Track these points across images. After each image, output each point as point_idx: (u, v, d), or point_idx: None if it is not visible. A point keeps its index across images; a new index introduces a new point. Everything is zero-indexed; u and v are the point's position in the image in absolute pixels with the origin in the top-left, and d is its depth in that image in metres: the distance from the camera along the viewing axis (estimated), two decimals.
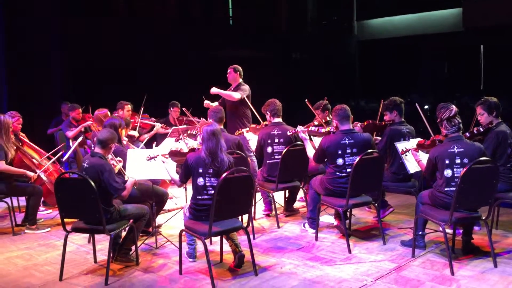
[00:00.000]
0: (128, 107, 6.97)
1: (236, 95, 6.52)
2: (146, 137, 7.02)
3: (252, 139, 5.79)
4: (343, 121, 4.77)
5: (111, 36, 10.30)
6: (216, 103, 6.68)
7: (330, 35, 16.70)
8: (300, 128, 5.22)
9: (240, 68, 6.75)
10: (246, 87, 6.65)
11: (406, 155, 4.82)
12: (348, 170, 4.66)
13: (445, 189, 4.15)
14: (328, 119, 5.96)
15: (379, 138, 5.49)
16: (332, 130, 5.01)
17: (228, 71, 6.76)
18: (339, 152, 4.69)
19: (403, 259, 4.36)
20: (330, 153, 4.72)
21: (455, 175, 4.09)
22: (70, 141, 6.82)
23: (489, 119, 4.84)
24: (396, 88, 13.79)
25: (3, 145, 5.22)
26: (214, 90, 6.67)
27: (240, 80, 6.74)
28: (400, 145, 4.93)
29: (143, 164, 4.56)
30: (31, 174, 5.44)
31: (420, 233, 4.51)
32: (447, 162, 4.13)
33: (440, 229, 4.15)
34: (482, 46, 15.23)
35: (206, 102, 6.73)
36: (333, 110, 4.90)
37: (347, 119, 4.78)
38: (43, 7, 9.22)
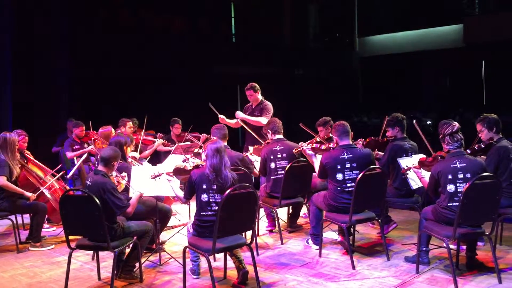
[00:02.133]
0: (130, 124, 6.99)
1: (264, 120, 6.42)
2: (148, 153, 7.06)
3: (257, 161, 5.81)
4: (342, 136, 4.83)
5: (118, 52, 10.42)
6: (234, 121, 6.63)
7: (332, 51, 16.83)
8: (304, 145, 5.26)
9: (257, 86, 6.57)
10: (269, 106, 6.54)
11: (408, 173, 4.84)
12: (349, 185, 4.69)
13: (448, 204, 4.15)
14: (330, 135, 5.99)
15: (381, 153, 5.50)
16: (332, 146, 5.05)
17: (248, 93, 6.57)
18: (338, 167, 4.72)
19: (407, 275, 4.35)
20: (329, 168, 4.76)
21: (458, 190, 4.10)
22: (75, 158, 6.84)
23: (490, 135, 4.86)
24: (398, 104, 13.87)
25: (8, 162, 5.26)
26: (240, 115, 6.50)
27: (261, 97, 6.62)
28: (403, 161, 4.95)
29: (147, 181, 4.59)
30: (29, 194, 5.38)
31: (424, 249, 4.50)
32: (449, 177, 4.14)
33: (444, 245, 4.14)
34: (483, 61, 15.31)
35: (221, 116, 6.55)
36: (333, 126, 4.97)
37: (346, 134, 4.83)
38: (51, 24, 9.34)
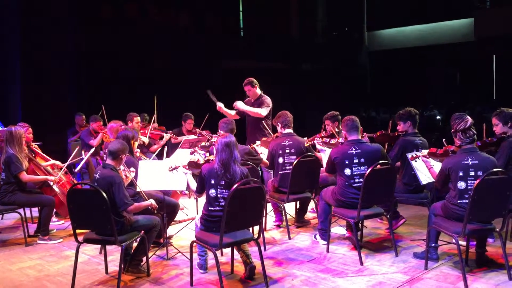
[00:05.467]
0: (138, 118, 7.03)
1: (263, 112, 6.44)
2: (156, 147, 7.08)
3: (263, 153, 5.79)
4: (351, 131, 4.78)
5: (124, 48, 10.42)
6: (233, 112, 6.65)
7: (341, 45, 16.72)
8: (317, 139, 5.25)
9: (255, 81, 6.61)
10: (268, 100, 6.56)
11: (416, 161, 4.78)
12: (357, 180, 4.65)
13: (458, 201, 4.10)
14: (337, 130, 5.95)
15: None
16: (342, 141, 5.00)
17: (246, 88, 6.61)
18: (346, 162, 4.68)
19: (416, 272, 4.31)
20: (338, 163, 4.72)
21: (469, 187, 4.04)
22: (83, 152, 6.87)
23: (504, 129, 4.79)
24: (407, 99, 13.76)
25: (17, 155, 5.28)
26: (241, 106, 6.50)
27: (260, 92, 6.67)
28: (411, 154, 4.90)
29: (155, 175, 4.59)
30: (52, 178, 5.57)
31: (433, 245, 4.46)
32: (461, 174, 4.09)
33: (453, 241, 4.10)
34: (494, 56, 15.15)
35: (219, 105, 6.61)
36: (342, 120, 4.93)
37: (355, 129, 4.78)
38: (58, 21, 9.37)
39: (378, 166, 4.52)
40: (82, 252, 4.86)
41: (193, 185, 4.43)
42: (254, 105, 6.63)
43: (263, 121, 6.55)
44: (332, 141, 5.16)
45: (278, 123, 5.62)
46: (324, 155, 5.17)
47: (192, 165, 4.62)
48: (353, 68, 16.88)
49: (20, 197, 5.33)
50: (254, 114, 6.50)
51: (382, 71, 16.84)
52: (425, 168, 4.70)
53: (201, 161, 4.54)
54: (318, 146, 5.23)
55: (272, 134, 6.40)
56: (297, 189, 5.41)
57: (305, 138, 5.47)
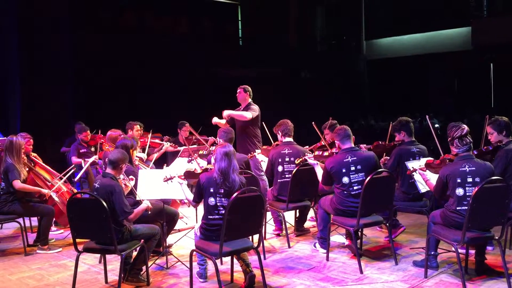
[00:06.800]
0: (137, 127, 7.03)
1: (248, 115, 6.54)
2: (155, 155, 7.07)
3: (264, 161, 5.80)
4: (344, 140, 4.82)
5: (124, 55, 10.46)
6: (223, 121, 6.72)
7: (339, 54, 16.80)
8: (307, 155, 5.26)
9: (249, 88, 6.75)
10: (256, 107, 6.67)
11: (413, 175, 4.81)
12: (356, 187, 4.67)
13: (457, 208, 4.12)
14: None
15: (388, 158, 5.47)
16: (335, 151, 5.02)
17: (238, 91, 6.76)
18: (343, 170, 4.70)
19: (416, 280, 4.31)
20: (335, 173, 4.73)
21: (467, 194, 4.06)
22: (82, 161, 6.86)
23: (499, 138, 4.82)
24: (405, 107, 13.81)
25: (15, 164, 5.29)
26: (226, 112, 6.65)
27: (250, 100, 6.75)
28: (410, 164, 4.92)
29: (155, 184, 4.60)
30: (45, 191, 5.53)
31: (432, 253, 4.46)
32: (458, 180, 4.11)
33: (453, 249, 4.11)
34: (491, 64, 15.23)
35: (215, 120, 6.75)
36: (334, 131, 4.95)
37: (348, 138, 4.82)
38: (59, 27, 9.41)
39: (377, 175, 4.54)
40: (82, 261, 4.85)
41: (189, 195, 4.42)
42: (243, 111, 6.72)
43: (250, 128, 6.61)
44: (326, 153, 5.16)
45: (279, 132, 5.65)
46: (318, 169, 5.14)
47: (188, 175, 4.62)
48: (352, 77, 16.95)
49: (20, 206, 5.33)
50: (239, 117, 6.61)
51: (380, 79, 16.91)
52: (423, 180, 4.73)
53: (198, 171, 4.54)
54: (310, 161, 5.19)
55: (261, 142, 6.47)
56: (297, 198, 5.43)
57: (307, 147, 5.48)
